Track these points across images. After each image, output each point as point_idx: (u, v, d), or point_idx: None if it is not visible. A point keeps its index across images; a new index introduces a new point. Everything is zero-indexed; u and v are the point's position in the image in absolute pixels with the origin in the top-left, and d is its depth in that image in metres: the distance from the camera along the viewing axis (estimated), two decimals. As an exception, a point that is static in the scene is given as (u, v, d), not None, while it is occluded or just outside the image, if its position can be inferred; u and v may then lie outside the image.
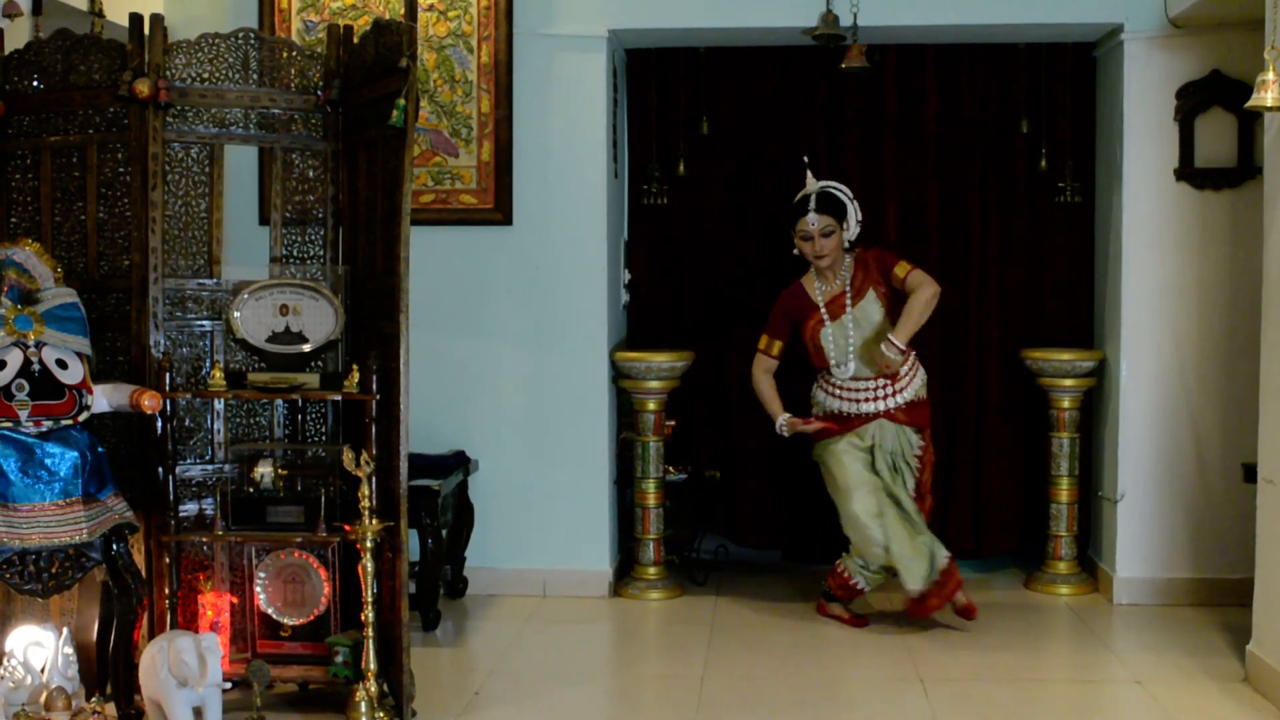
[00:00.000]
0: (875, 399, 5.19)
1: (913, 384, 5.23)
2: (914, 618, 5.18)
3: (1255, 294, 4.69)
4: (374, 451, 4.10)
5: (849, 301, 5.20)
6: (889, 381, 5.18)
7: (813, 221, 5.15)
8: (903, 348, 5.09)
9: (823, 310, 5.22)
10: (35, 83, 4.40)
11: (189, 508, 4.37)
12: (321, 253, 4.60)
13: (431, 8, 5.62)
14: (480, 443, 5.74)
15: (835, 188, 5.27)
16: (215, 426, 4.45)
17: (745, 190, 6.18)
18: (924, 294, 5.11)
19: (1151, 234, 5.57)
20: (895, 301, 5.22)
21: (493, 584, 5.75)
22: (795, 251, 5.29)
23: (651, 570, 5.80)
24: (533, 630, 5.28)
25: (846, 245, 5.24)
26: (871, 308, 5.20)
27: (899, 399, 5.18)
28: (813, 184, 5.28)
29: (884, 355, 5.06)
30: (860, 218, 5.29)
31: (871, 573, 5.22)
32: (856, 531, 5.16)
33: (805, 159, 5.43)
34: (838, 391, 5.24)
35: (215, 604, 4.35)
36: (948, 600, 5.13)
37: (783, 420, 5.28)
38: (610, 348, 5.79)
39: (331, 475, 4.38)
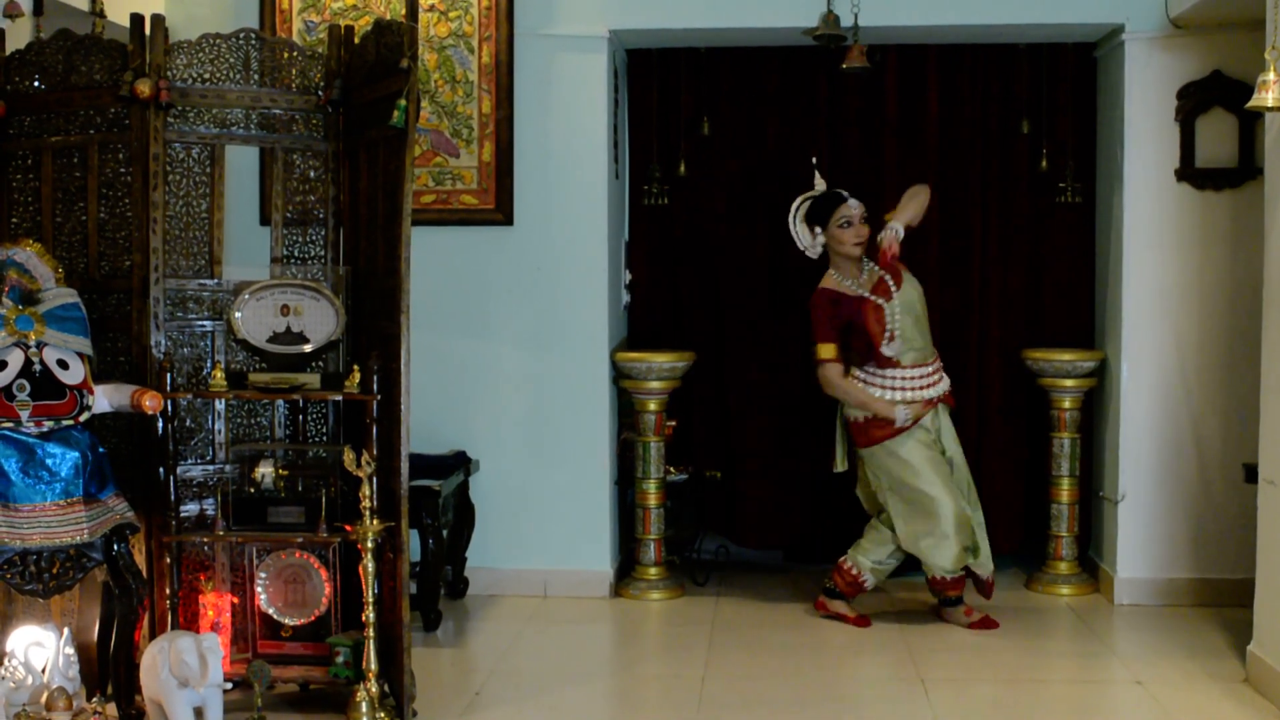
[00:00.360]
0: (935, 384, 5.20)
1: (944, 379, 5.29)
2: (989, 598, 5.34)
3: (1256, 294, 4.69)
4: (375, 452, 4.10)
5: (892, 285, 5.17)
6: (935, 368, 5.23)
7: (854, 206, 5.17)
8: (900, 230, 5.08)
9: (871, 297, 5.15)
10: (36, 83, 4.40)
11: (190, 508, 4.37)
12: (322, 253, 4.61)
13: (432, 8, 5.62)
14: (481, 443, 5.74)
15: (832, 189, 5.33)
16: (216, 427, 4.45)
17: (746, 190, 6.17)
18: (919, 192, 5.19)
19: (1152, 234, 5.57)
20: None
21: (493, 584, 5.75)
22: (819, 247, 5.24)
23: (652, 571, 5.80)
24: (533, 630, 5.28)
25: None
26: (912, 292, 5.21)
27: (943, 386, 5.24)
28: (821, 184, 5.29)
29: (885, 233, 5.07)
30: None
31: (881, 568, 5.23)
32: (948, 525, 5.12)
33: (814, 159, 5.43)
34: (900, 384, 5.14)
35: (216, 604, 4.35)
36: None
37: (905, 413, 5.12)
38: (611, 348, 5.79)
39: (332, 475, 4.38)
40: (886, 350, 5.12)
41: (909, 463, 5.14)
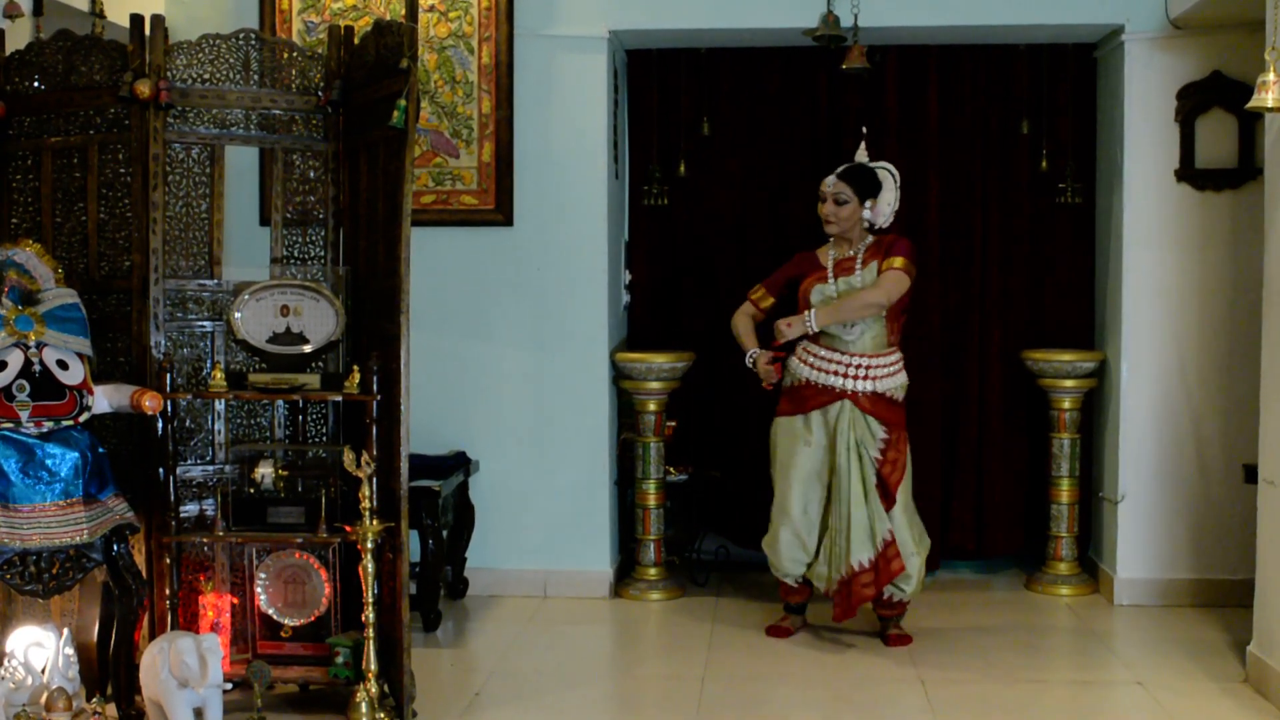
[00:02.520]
0: (844, 375, 4.98)
1: (887, 380, 5.01)
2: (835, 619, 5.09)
3: (1256, 295, 4.69)
4: (375, 452, 4.10)
5: (858, 266, 5.03)
6: (866, 364, 4.98)
7: (830, 184, 5.06)
8: (809, 325, 4.94)
9: (829, 270, 5.08)
10: (36, 83, 4.40)
11: (190, 508, 4.37)
12: (322, 253, 4.60)
13: (432, 9, 5.62)
14: (481, 443, 5.74)
15: (881, 167, 5.09)
16: (216, 427, 4.45)
17: (746, 191, 6.18)
18: (867, 294, 4.93)
19: (1152, 235, 5.57)
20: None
21: (493, 585, 5.76)
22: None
23: (652, 571, 5.80)
24: (533, 631, 5.28)
25: (868, 225, 5.07)
26: (870, 275, 5.02)
27: (867, 385, 4.97)
28: (861, 155, 5.15)
29: (783, 323, 4.94)
30: (896, 207, 5.09)
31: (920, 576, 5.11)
32: (783, 516, 5.08)
33: (864, 129, 5.30)
34: (811, 360, 5.04)
35: (216, 605, 4.34)
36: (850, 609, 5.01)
37: (754, 352, 5.09)
38: (611, 348, 5.79)
39: (332, 476, 4.38)
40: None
41: (790, 449, 5.06)
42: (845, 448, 4.97)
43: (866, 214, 5.05)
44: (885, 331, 5.03)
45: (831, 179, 5.07)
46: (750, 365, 5.12)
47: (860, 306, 4.93)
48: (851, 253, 5.09)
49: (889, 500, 4.99)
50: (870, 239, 5.10)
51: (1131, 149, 5.57)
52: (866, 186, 5.04)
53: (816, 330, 4.98)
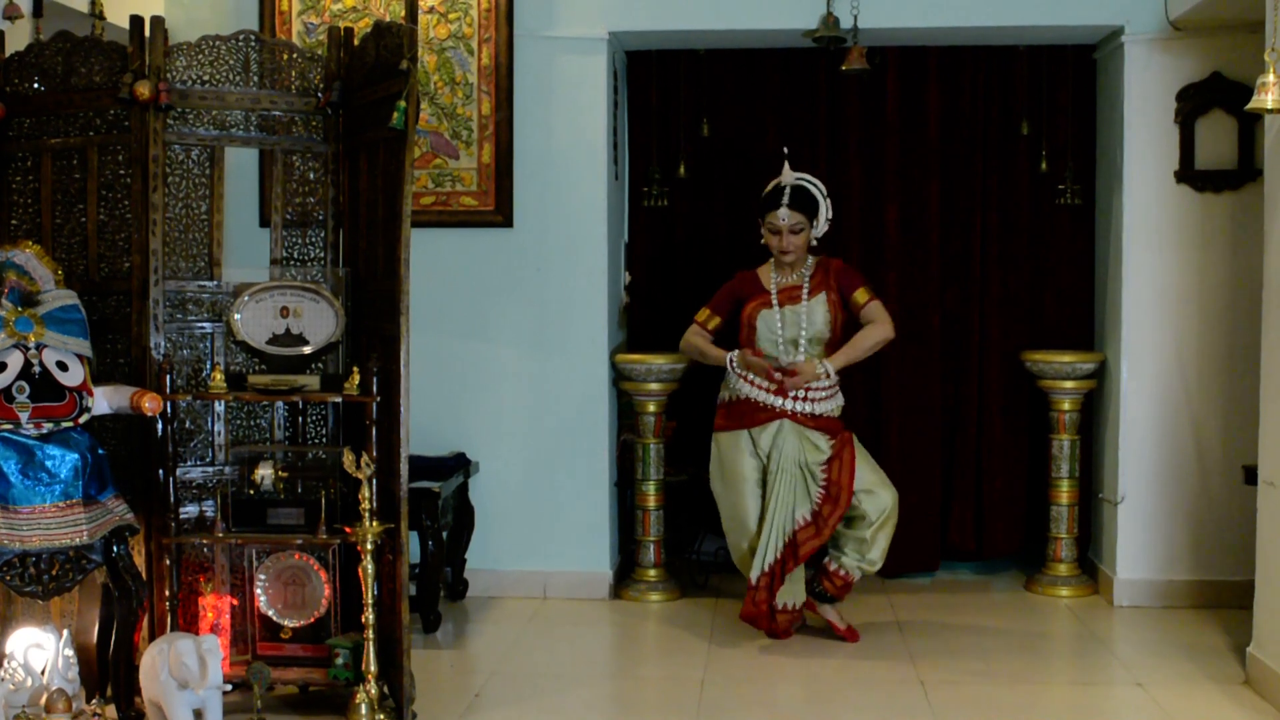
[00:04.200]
0: (793, 399, 5.03)
1: (825, 404, 5.06)
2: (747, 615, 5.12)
3: (1256, 296, 4.69)
4: (374, 453, 4.10)
5: (804, 296, 5.05)
6: (817, 386, 5.04)
7: (783, 217, 5.02)
8: (833, 373, 5.02)
9: (773, 296, 5.09)
10: (36, 85, 4.40)
11: (189, 510, 4.37)
12: (322, 255, 4.60)
13: (432, 10, 5.62)
14: (481, 445, 5.74)
15: (810, 182, 5.11)
16: (216, 429, 4.45)
17: (746, 192, 6.15)
18: (877, 333, 5.04)
19: (1152, 236, 5.57)
20: (848, 324, 5.13)
21: (493, 586, 5.76)
22: (762, 241, 5.15)
23: (652, 572, 5.80)
24: (533, 632, 5.28)
25: (813, 243, 5.12)
26: (818, 310, 5.06)
27: (806, 406, 5.02)
28: (788, 175, 5.11)
29: (807, 369, 4.98)
30: (830, 216, 5.15)
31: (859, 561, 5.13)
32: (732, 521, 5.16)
33: (785, 150, 5.28)
34: (752, 378, 5.06)
35: (216, 606, 4.34)
36: (758, 615, 5.06)
37: (733, 355, 5.07)
38: (611, 350, 5.79)
39: (332, 477, 4.38)
40: (749, 343, 5.11)
41: (732, 456, 5.11)
42: (778, 466, 5.03)
43: (814, 232, 5.10)
44: (825, 355, 5.08)
45: (784, 211, 5.02)
46: (734, 367, 5.10)
47: (873, 346, 5.07)
48: (795, 278, 5.11)
49: (830, 502, 5.03)
50: (811, 261, 5.14)
51: (1131, 150, 5.57)
52: (810, 207, 5.07)
53: (835, 378, 5.05)
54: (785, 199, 5.03)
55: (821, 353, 5.07)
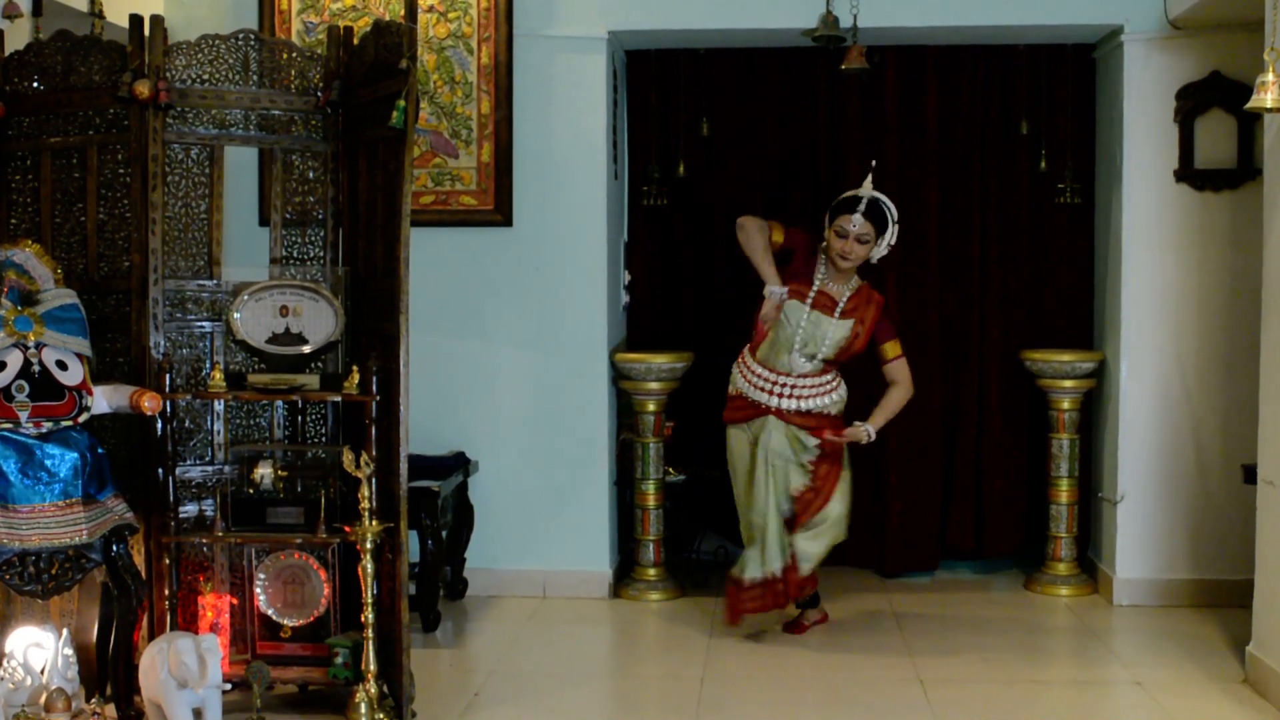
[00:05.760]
0: (770, 393, 5.05)
1: (820, 399, 5.06)
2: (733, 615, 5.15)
3: (1255, 295, 4.69)
4: (374, 453, 4.10)
5: (836, 312, 5.03)
6: (793, 384, 5.04)
7: (856, 223, 4.96)
8: (868, 435, 5.04)
9: (812, 293, 5.06)
10: (35, 84, 4.40)
11: (189, 509, 4.37)
12: (321, 254, 4.60)
13: (431, 9, 5.62)
14: (480, 444, 5.74)
15: (886, 204, 5.03)
16: (215, 428, 4.45)
17: (745, 191, 6.18)
18: (901, 393, 5.09)
19: (1151, 235, 5.57)
20: (860, 358, 5.12)
21: (493, 585, 5.75)
22: (822, 245, 5.09)
23: (651, 571, 5.80)
24: (533, 631, 5.28)
25: (871, 260, 5.07)
26: (842, 331, 5.03)
27: (791, 403, 5.03)
28: (868, 188, 5.06)
29: (854, 431, 5.02)
30: (893, 242, 5.06)
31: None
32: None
33: (873, 162, 5.19)
34: (749, 375, 5.11)
35: (215, 605, 4.34)
36: (756, 609, 5.10)
37: (781, 292, 5.03)
38: (610, 349, 5.79)
39: (331, 476, 4.38)
40: (761, 331, 5.11)
41: (733, 443, 5.20)
42: (764, 460, 5.07)
43: (875, 250, 5.06)
44: (823, 370, 5.09)
45: (858, 218, 4.96)
46: (771, 296, 5.03)
47: (900, 404, 5.11)
48: (837, 289, 5.08)
49: (815, 495, 5.07)
50: (856, 281, 5.09)
51: (1131, 149, 5.57)
52: (881, 224, 5.03)
53: (874, 439, 5.09)
54: (861, 207, 4.98)
55: (819, 368, 5.06)
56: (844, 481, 5.13)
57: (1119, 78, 5.59)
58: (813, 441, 5.06)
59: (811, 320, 5.05)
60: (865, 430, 5.04)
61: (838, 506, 5.09)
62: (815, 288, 5.08)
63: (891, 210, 5.04)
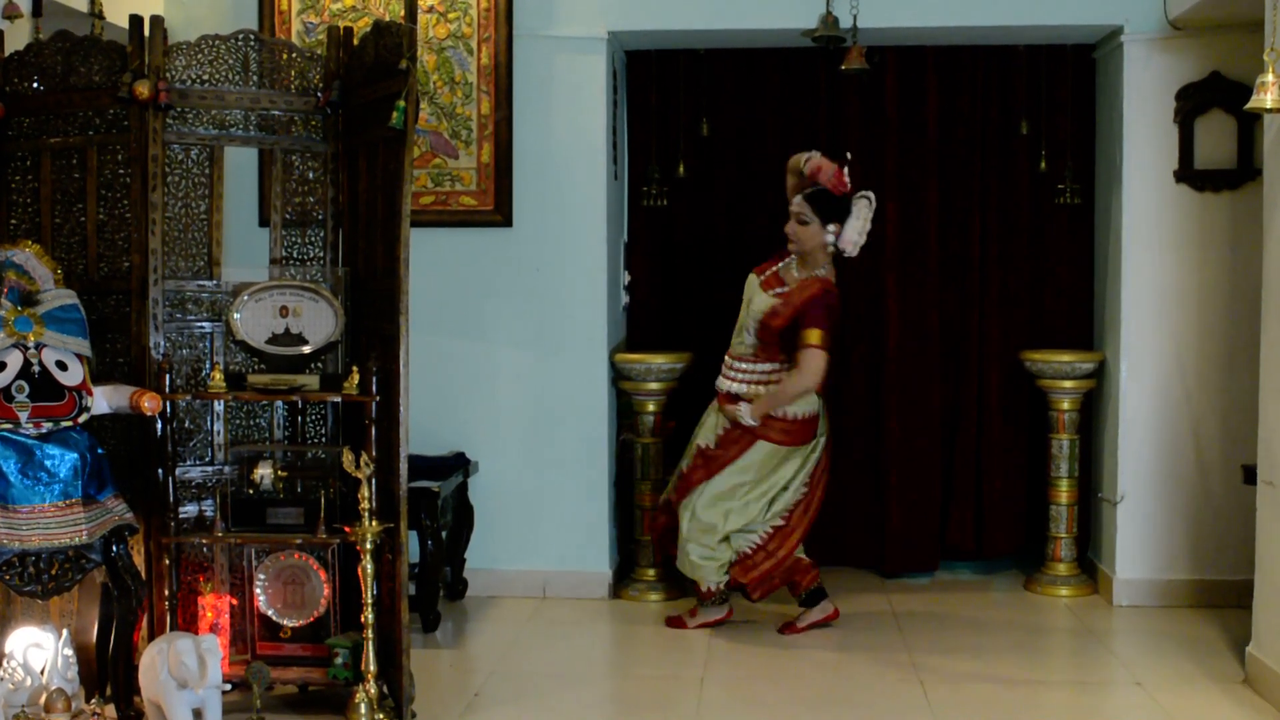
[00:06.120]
0: (724, 377, 5.17)
1: (744, 386, 5.09)
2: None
3: (1255, 296, 4.69)
4: (374, 453, 4.10)
5: (775, 293, 5.06)
6: (732, 364, 5.14)
7: (795, 203, 5.06)
8: (752, 420, 5.01)
9: (767, 272, 5.14)
10: (35, 84, 4.40)
11: (189, 509, 4.37)
12: (321, 254, 4.61)
13: (431, 9, 5.62)
14: (480, 444, 5.74)
15: (860, 195, 5.01)
16: (215, 428, 4.45)
17: (745, 192, 6.18)
18: (803, 381, 4.96)
19: (1151, 236, 5.57)
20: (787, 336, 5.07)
21: (493, 586, 5.75)
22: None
23: (651, 572, 5.80)
24: (533, 632, 5.28)
25: (833, 251, 5.04)
26: (764, 303, 5.05)
27: (725, 384, 5.14)
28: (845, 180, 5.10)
29: (734, 409, 5.07)
30: (860, 240, 5.02)
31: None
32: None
33: (848, 155, 5.15)
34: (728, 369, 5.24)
35: (215, 605, 4.34)
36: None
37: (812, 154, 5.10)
38: (610, 349, 5.79)
39: (331, 477, 4.38)
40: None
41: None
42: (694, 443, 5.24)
43: (830, 239, 5.01)
44: (758, 345, 5.10)
45: (799, 199, 5.05)
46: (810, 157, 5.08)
47: (791, 398, 5.02)
48: (791, 275, 5.09)
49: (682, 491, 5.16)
50: (824, 272, 5.05)
51: (1130, 150, 5.57)
52: (831, 210, 4.99)
53: (756, 423, 5.05)
54: (808, 190, 5.04)
55: (754, 349, 5.10)
56: (729, 478, 5.09)
57: (1119, 78, 5.59)
58: (722, 424, 5.13)
59: (757, 298, 5.11)
60: (741, 411, 5.05)
61: (704, 500, 5.09)
62: (775, 270, 5.14)
63: (863, 200, 5.01)
